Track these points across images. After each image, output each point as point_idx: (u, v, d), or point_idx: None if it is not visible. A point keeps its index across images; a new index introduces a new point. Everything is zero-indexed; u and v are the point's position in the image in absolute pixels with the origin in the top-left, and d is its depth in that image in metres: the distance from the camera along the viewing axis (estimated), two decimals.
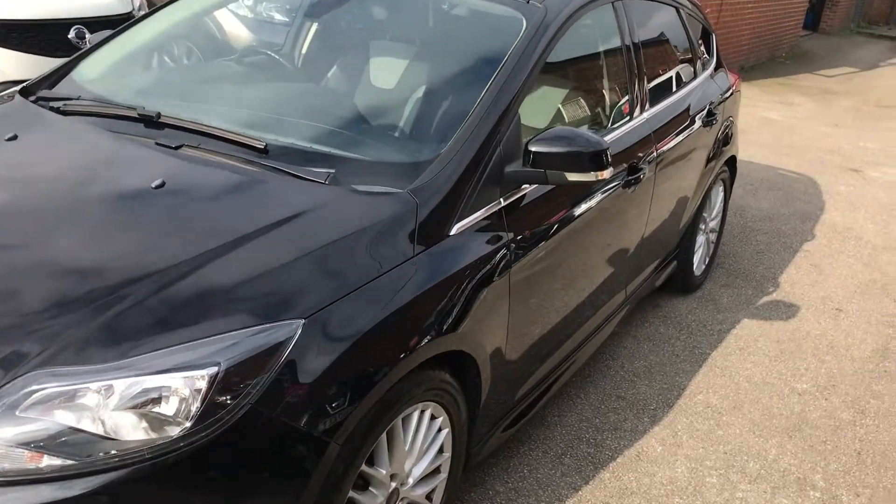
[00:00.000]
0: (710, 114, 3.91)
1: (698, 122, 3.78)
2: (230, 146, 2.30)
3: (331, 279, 1.90)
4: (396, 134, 2.50)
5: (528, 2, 2.80)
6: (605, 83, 3.18)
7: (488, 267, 2.28)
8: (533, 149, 2.39)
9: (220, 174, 2.18)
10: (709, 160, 4.02)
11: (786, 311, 4.41)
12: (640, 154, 3.16)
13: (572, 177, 2.41)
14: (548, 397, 3.02)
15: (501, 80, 2.49)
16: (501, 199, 2.39)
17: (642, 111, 3.27)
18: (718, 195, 4.50)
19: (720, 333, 4.07)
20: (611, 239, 3.06)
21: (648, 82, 3.35)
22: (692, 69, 3.93)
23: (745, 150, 7.69)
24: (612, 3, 3.19)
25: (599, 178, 2.43)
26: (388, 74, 2.73)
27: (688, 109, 3.70)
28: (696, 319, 4.19)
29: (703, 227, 4.40)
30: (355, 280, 1.92)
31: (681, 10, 3.86)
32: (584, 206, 2.77)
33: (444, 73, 2.74)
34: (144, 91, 2.80)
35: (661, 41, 3.65)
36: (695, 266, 4.37)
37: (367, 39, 2.96)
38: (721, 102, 4.12)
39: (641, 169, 3.12)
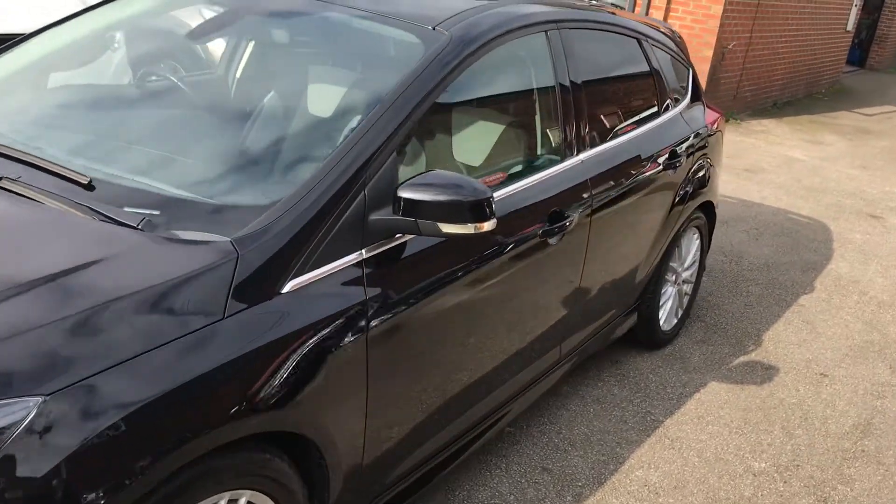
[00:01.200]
0: (674, 155, 3.55)
1: (658, 165, 3.43)
2: (54, 180, 2.03)
3: (103, 345, 1.60)
4: (244, 173, 2.20)
5: (434, 28, 2.50)
6: (531, 122, 2.86)
7: (334, 331, 1.97)
8: (403, 195, 2.08)
9: (22, 212, 1.91)
10: (674, 206, 3.65)
11: (762, 374, 4.00)
12: (569, 201, 2.82)
13: (448, 228, 2.09)
14: (452, 467, 2.69)
15: (377, 116, 2.19)
16: (363, 251, 2.08)
17: (577, 153, 2.93)
18: (692, 243, 4.12)
19: (681, 398, 3.68)
20: (526, 294, 2.72)
21: (590, 122, 3.02)
22: (656, 107, 3.57)
23: (759, 191, 7.26)
24: (546, 32, 2.87)
25: (479, 230, 2.11)
26: (252, 103, 2.44)
27: (644, 151, 3.35)
28: (658, 380, 3.81)
29: (673, 277, 4.02)
30: (136, 346, 1.62)
31: (644, 42, 3.52)
32: (483, 259, 2.44)
33: (315, 104, 2.44)
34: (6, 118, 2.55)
35: (612, 76, 3.31)
36: (662, 320, 3.99)
37: (238, 62, 2.68)
38: (691, 143, 3.75)
39: (568, 217, 2.78)
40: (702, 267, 4.32)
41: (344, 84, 2.45)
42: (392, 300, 2.13)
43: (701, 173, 3.89)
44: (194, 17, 2.97)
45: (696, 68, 9.77)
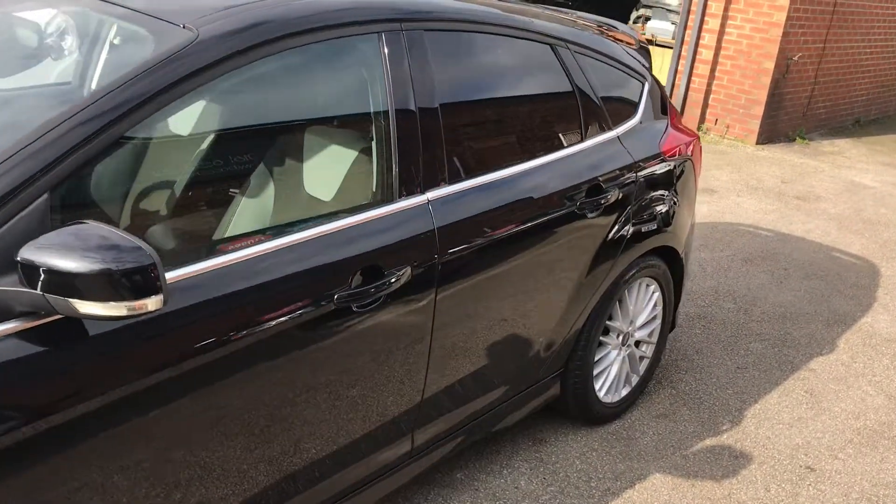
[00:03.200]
0: (597, 191, 2.82)
1: (569, 204, 2.70)
2: None
3: None
4: None
5: (184, 25, 1.89)
6: (339, 153, 2.20)
7: None
8: (23, 257, 1.48)
9: None
10: (602, 254, 2.91)
11: (727, 464, 3.20)
12: (398, 254, 2.15)
13: (87, 307, 1.47)
14: None
15: (36, 145, 1.59)
16: None
17: (421, 192, 2.26)
18: (647, 297, 3.35)
19: (605, 496, 2.93)
20: (328, 378, 2.06)
21: (449, 152, 2.34)
22: (576, 130, 2.84)
23: (805, 222, 6.32)
24: (382, 33, 2.21)
25: (138, 310, 1.48)
26: None
27: (544, 186, 2.63)
28: (584, 468, 3.07)
29: (616, 339, 3.26)
30: None
31: (561, 49, 2.80)
32: (234, 336, 1.80)
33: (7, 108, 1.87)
34: None
35: (497, 92, 2.61)
36: (601, 391, 3.24)
37: None
38: (634, 175, 3.00)
39: (389, 277, 2.10)
40: (667, 324, 3.54)
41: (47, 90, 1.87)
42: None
43: (652, 212, 3.12)
44: None
45: (756, 81, 8.81)
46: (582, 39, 2.91)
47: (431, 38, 2.34)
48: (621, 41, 3.23)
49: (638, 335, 3.37)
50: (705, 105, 9.14)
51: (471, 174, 2.41)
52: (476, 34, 2.50)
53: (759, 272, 5.23)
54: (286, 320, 1.90)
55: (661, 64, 9.51)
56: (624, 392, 3.37)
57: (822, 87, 9.70)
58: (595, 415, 3.24)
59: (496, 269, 2.46)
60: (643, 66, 3.25)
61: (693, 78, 9.17)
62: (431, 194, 2.28)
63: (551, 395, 3.05)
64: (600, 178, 2.83)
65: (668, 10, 9.92)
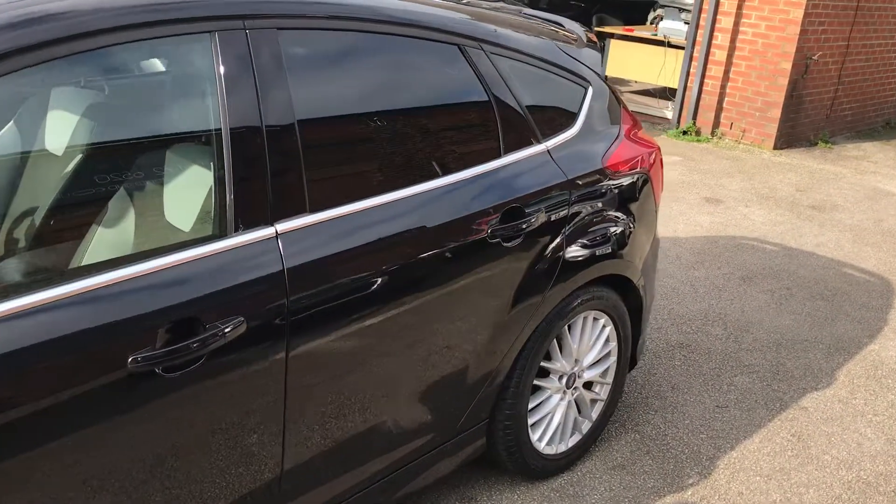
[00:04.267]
0: (516, 215, 2.40)
1: (478, 231, 2.30)
2: None
3: None
4: None
5: None
6: (173, 180, 1.83)
7: None
8: None
9: None
10: (528, 287, 2.49)
11: None
12: (232, 305, 1.76)
13: None
14: None
15: None
16: None
17: (268, 225, 1.87)
18: (595, 332, 2.92)
19: None
20: (135, 457, 1.68)
21: (315, 175, 1.95)
22: (497, 145, 2.43)
23: (818, 235, 5.81)
24: (215, 32, 1.83)
25: None
26: None
27: (440, 213, 2.22)
28: None
29: (560, 382, 2.84)
30: None
31: (470, 50, 2.39)
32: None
33: None
34: None
35: (390, 103, 2.20)
36: (541, 443, 2.82)
37: None
38: (568, 194, 2.58)
39: (208, 336, 1.72)
40: (625, 361, 3.10)
41: None
42: None
43: (595, 236, 2.70)
44: None
45: (773, 82, 8.27)
46: (502, 39, 2.50)
47: (289, 40, 1.96)
48: (564, 41, 2.81)
49: (588, 376, 2.94)
50: (719, 109, 8.62)
51: (342, 201, 2.02)
52: (354, 34, 2.11)
53: (758, 292, 4.75)
54: (60, 398, 1.52)
55: (675, 66, 9.03)
56: (573, 441, 2.94)
57: (847, 88, 9.12)
58: (534, 469, 2.82)
59: (378, 315, 2.06)
60: (589, 68, 2.83)
61: (706, 80, 8.67)
62: (283, 226, 1.89)
63: (476, 449, 2.63)
64: (520, 200, 2.41)
65: (680, 8, 9.43)
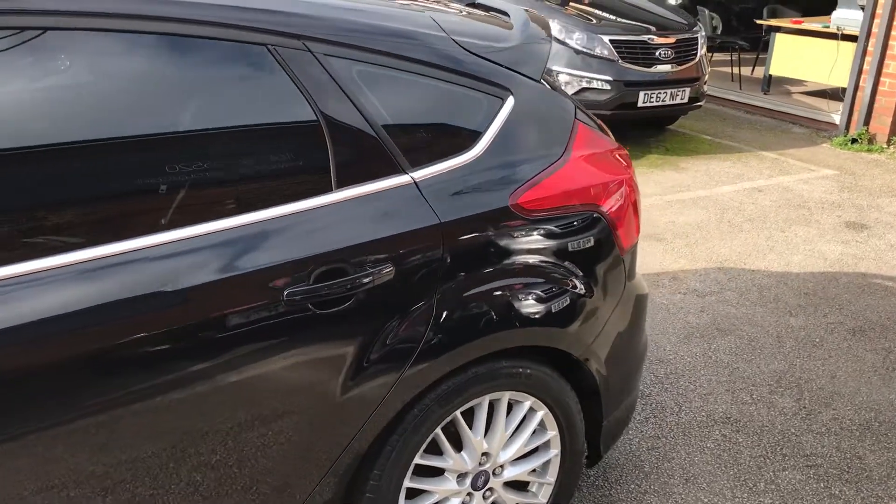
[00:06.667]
0: (339, 273, 1.79)
1: (276, 295, 1.71)
2: None
3: None
4: None
5: None
6: None
7: None
8: None
9: None
10: (369, 368, 1.87)
11: None
12: None
13: None
14: None
15: None
16: None
17: None
18: (516, 420, 2.22)
19: None
20: None
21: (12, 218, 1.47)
22: (328, 176, 1.82)
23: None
24: None
25: None
26: None
27: (211, 268, 1.66)
28: None
29: (462, 484, 2.17)
30: None
31: (284, 52, 1.78)
32: None
33: None
34: None
35: (138, 124, 1.64)
36: None
37: None
38: (437, 243, 1.92)
39: None
40: (576, 454, 2.37)
41: None
42: None
43: (491, 298, 2.02)
44: None
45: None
46: (345, 35, 1.87)
47: None
48: (478, 36, 2.14)
49: (512, 473, 2.26)
50: None
51: (55, 250, 1.51)
52: (105, 34, 1.59)
53: (866, 352, 3.73)
54: None
55: (847, 61, 7.73)
56: None
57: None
58: None
59: (97, 413, 1.54)
60: (515, 71, 2.13)
61: (881, 79, 7.36)
62: None
63: None
64: (344, 253, 1.79)
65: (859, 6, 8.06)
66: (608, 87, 6.54)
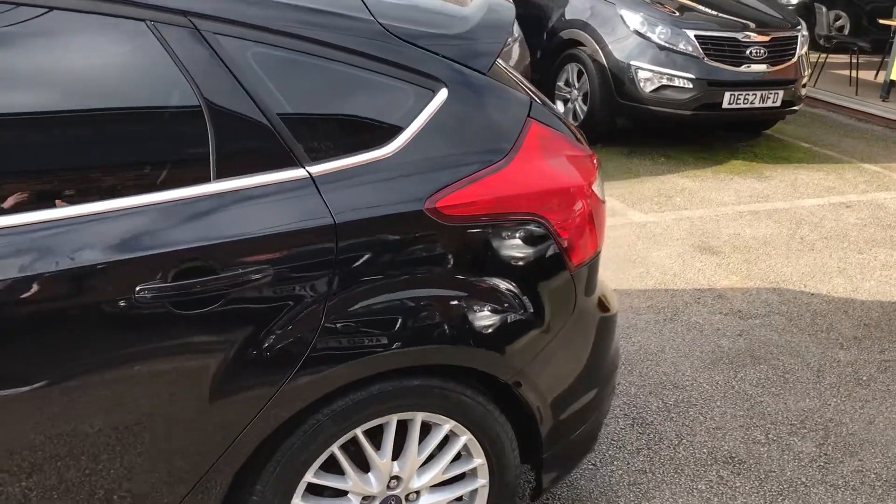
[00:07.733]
0: (206, 271, 1.64)
1: (126, 292, 1.59)
2: None
3: None
4: None
5: None
6: None
7: None
8: None
9: None
10: (241, 376, 1.72)
11: None
12: None
13: None
14: None
15: None
16: None
17: None
18: (433, 442, 2.03)
19: None
20: None
21: None
22: (207, 166, 1.68)
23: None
24: None
25: None
26: None
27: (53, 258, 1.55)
28: None
29: None
30: None
31: (165, 29, 1.65)
32: None
33: None
34: None
35: None
36: None
37: None
38: (329, 244, 1.75)
39: None
40: (505, 487, 2.15)
41: None
42: None
43: (395, 309, 1.83)
44: None
45: None
46: (239, 13, 1.72)
47: None
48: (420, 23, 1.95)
49: (430, 501, 2.07)
50: None
51: None
52: None
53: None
54: None
55: None
56: None
57: None
58: None
59: None
60: (454, 61, 1.93)
61: None
62: None
63: None
64: (215, 249, 1.65)
65: None
66: (689, 86, 6.14)
